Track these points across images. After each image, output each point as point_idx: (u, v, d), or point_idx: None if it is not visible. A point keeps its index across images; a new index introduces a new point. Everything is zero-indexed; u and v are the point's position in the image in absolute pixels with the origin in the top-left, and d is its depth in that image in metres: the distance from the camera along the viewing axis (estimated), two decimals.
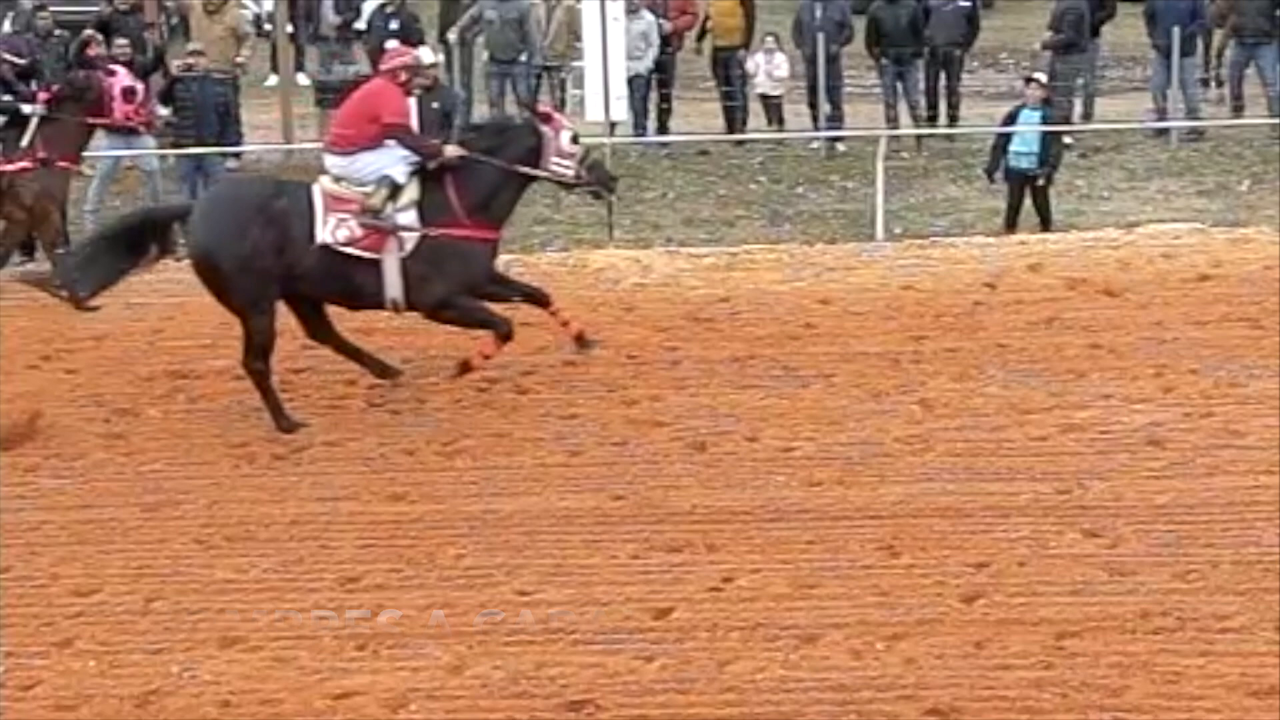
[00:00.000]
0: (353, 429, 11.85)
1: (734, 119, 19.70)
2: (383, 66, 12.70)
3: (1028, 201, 16.02)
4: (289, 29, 20.73)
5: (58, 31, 18.31)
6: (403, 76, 12.50)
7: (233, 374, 12.27)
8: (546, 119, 12.60)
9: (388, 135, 12.07)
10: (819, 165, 18.75)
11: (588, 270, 14.91)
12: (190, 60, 17.43)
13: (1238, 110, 19.41)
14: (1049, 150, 16.00)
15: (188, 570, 9.98)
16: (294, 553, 10.14)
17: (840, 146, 19.14)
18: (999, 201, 16.33)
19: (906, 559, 9.80)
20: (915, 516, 10.28)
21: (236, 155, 17.99)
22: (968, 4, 19.49)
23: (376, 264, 11.90)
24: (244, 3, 20.90)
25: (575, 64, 19.31)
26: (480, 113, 19.15)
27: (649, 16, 19.34)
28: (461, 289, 12.10)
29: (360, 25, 20.21)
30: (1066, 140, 17.40)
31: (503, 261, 13.07)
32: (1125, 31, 20.94)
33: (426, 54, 15.86)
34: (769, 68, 19.69)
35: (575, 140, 12.53)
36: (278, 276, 11.74)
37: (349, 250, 11.83)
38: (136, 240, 12.19)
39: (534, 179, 12.44)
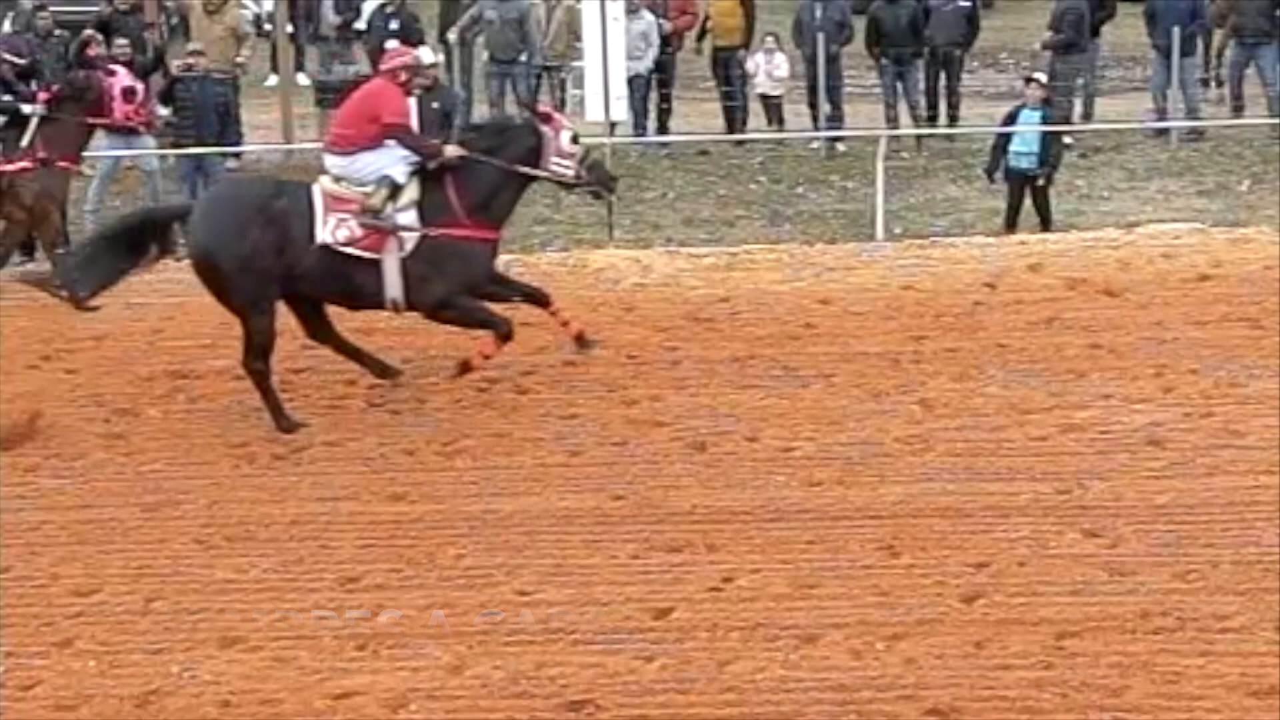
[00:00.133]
0: (353, 429, 11.84)
1: (734, 119, 19.69)
2: (383, 66, 12.70)
3: (1028, 201, 16.01)
4: (289, 29, 20.72)
5: (58, 31, 18.30)
6: (403, 76, 12.50)
7: (233, 374, 12.27)
8: (546, 119, 12.60)
9: (388, 135, 12.07)
10: (819, 165, 18.74)
11: (588, 270, 14.90)
12: (190, 60, 17.42)
13: (1238, 110, 19.40)
14: (1049, 150, 15.99)
15: (188, 570, 9.98)
16: (294, 553, 10.14)
17: (840, 146, 19.13)
18: (999, 201, 16.32)
19: (906, 559, 9.79)
20: (915, 516, 10.28)
21: (236, 155, 17.98)
22: (968, 4, 19.48)
23: (376, 264, 11.90)
24: (244, 3, 20.89)
25: (575, 64, 19.30)
26: (480, 113, 19.14)
27: (649, 16, 19.33)
28: (461, 289, 12.10)
29: (360, 25, 20.20)
30: (1066, 140, 17.39)
31: (503, 261, 13.06)
32: (1125, 31, 20.93)
33: (426, 54, 15.85)
34: (769, 68, 19.68)
35: (575, 140, 12.52)
36: (278, 276, 11.74)
37: (349, 250, 11.82)
38: (136, 240, 12.19)
39: (534, 179, 12.44)
